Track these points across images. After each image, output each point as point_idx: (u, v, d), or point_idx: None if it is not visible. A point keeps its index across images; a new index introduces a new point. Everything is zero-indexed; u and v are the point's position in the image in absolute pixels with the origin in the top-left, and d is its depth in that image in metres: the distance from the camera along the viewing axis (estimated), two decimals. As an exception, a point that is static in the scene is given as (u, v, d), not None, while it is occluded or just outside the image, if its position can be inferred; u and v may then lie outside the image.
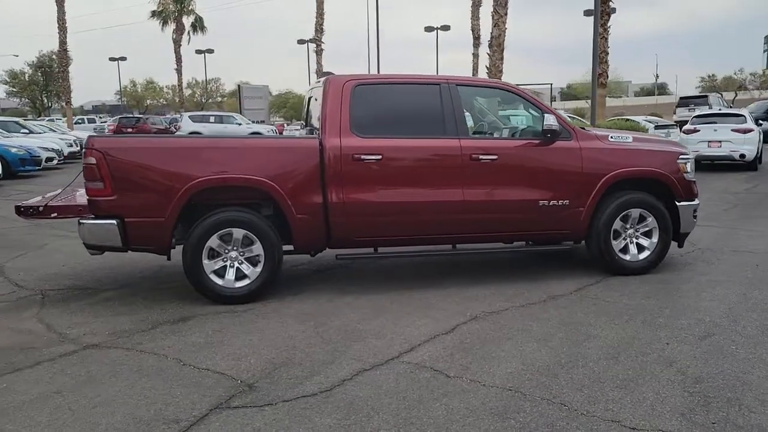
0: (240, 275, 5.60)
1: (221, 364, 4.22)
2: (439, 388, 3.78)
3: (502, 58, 15.78)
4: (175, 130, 34.89)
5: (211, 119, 35.80)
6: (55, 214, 5.50)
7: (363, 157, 5.66)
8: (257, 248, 5.57)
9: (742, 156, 16.39)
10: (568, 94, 78.27)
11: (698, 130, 17.20)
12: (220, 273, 5.57)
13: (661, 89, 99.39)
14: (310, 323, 5.04)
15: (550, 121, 5.87)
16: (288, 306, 5.51)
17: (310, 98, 6.72)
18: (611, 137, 6.40)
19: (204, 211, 5.53)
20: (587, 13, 42.35)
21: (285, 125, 49.52)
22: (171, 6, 48.97)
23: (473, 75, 33.64)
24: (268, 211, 5.75)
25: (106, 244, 5.47)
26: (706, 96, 35.59)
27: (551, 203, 6.04)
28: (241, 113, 39.93)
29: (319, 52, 35.30)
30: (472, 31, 33.29)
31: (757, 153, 16.98)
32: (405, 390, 3.76)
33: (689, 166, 6.47)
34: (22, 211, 5.45)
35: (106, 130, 37.56)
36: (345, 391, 3.77)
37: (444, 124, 5.90)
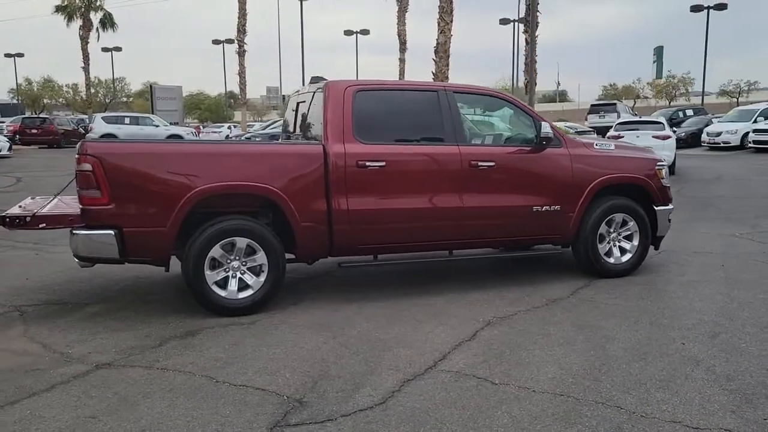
0: (242, 286, 5.42)
1: (257, 379, 4.06)
2: (492, 396, 3.79)
3: (448, 64, 16.05)
4: (84, 132, 33.19)
5: (126, 120, 34.35)
6: (44, 225, 5.12)
7: (367, 163, 5.61)
8: (260, 257, 5.40)
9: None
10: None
11: (622, 137, 18.06)
12: (222, 284, 5.37)
13: (562, 96, 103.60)
14: (327, 334, 4.93)
15: (546, 129, 6.02)
16: (294, 316, 5.37)
17: (298, 103, 6.58)
18: (596, 145, 6.63)
19: (201, 220, 5.31)
20: (503, 21, 43.87)
21: (201, 127, 48.25)
22: (77, 1, 46.60)
23: (400, 79, 34.00)
24: (267, 219, 5.60)
25: (101, 256, 5.15)
26: (615, 103, 37.47)
27: (544, 209, 6.20)
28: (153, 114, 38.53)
29: (241, 53, 34.61)
30: (399, 36, 33.60)
31: (674, 159, 18.03)
32: (459, 399, 3.75)
33: (665, 173, 6.81)
34: (7, 222, 5.03)
35: (5, 131, 35.25)
36: (400, 402, 3.71)
37: (443, 131, 5.94)
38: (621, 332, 4.90)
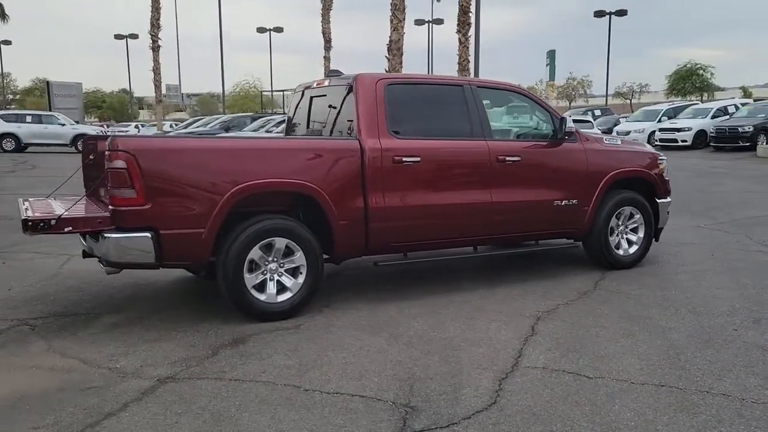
0: (279, 288, 5.14)
1: (346, 385, 3.84)
2: (597, 390, 3.75)
3: (401, 62, 15.98)
4: None
5: (28, 119, 32.00)
6: (70, 228, 4.63)
7: (404, 159, 5.46)
8: (299, 258, 5.14)
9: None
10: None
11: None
12: (259, 287, 5.07)
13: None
14: (383, 335, 4.75)
15: (570, 123, 6.08)
16: (337, 319, 5.14)
17: (312, 98, 6.32)
18: (606, 139, 6.78)
19: (235, 221, 4.99)
20: (418, 22, 44.42)
21: (106, 126, 45.92)
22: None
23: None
24: (297, 218, 5.34)
25: (134, 262, 4.73)
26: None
27: (564, 203, 6.26)
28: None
29: (155, 49, 33.13)
30: (323, 34, 33.21)
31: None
32: (568, 395, 3.69)
33: (665, 166, 7.05)
34: (30, 226, 4.51)
35: None
36: (512, 402, 3.61)
37: (471, 125, 5.87)
38: (670, 321, 5.00)
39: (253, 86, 59.05)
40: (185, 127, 28.07)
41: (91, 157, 5.93)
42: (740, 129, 25.63)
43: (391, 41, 14.45)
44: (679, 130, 28.02)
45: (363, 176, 5.32)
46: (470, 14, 19.94)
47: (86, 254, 5.50)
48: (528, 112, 6.50)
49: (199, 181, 4.78)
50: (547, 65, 76.35)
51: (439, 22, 42.14)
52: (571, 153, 6.31)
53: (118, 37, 52.54)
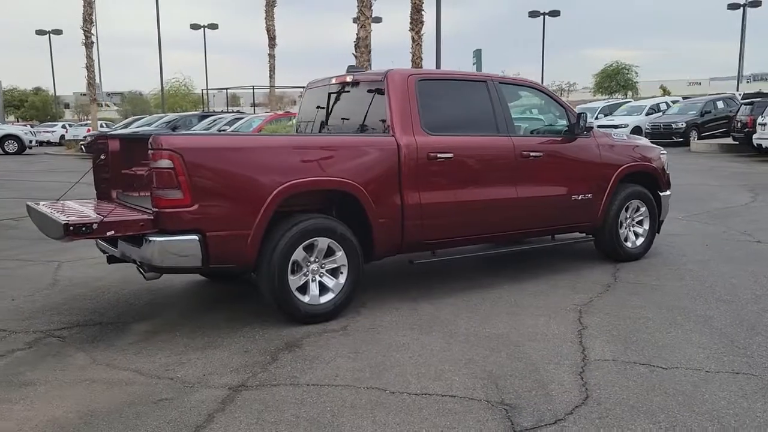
0: (321, 289, 5.00)
1: (431, 386, 3.76)
2: (679, 380, 3.78)
3: (369, 59, 15.81)
4: None
5: (-51, 119, 30.30)
6: (113, 232, 4.34)
7: (439, 155, 5.41)
8: (341, 258, 5.01)
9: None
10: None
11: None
12: (302, 289, 4.92)
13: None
14: (436, 334, 4.69)
15: (588, 119, 6.17)
16: (380, 319, 5.03)
17: (330, 94, 6.17)
18: (614, 134, 6.92)
19: (276, 221, 4.82)
20: (356, 20, 44.25)
21: (29, 126, 43.70)
22: None
23: (271, 75, 33.05)
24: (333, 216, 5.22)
25: (180, 266, 4.50)
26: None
27: (581, 197, 6.35)
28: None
29: (89, 45, 31.72)
30: (268, 31, 32.59)
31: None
32: (653, 387, 3.70)
33: (666, 160, 7.26)
34: (71, 230, 4.19)
35: None
36: (605, 396, 3.59)
37: (496, 121, 5.87)
38: (706, 310, 5.13)
39: (183, 84, 57.57)
40: (125, 127, 27.03)
41: (102, 157, 5.62)
42: (674, 125, 26.86)
43: (358, 38, 14.31)
44: (616, 126, 29.00)
45: (399, 173, 5.24)
46: (423, 12, 20.02)
47: (113, 259, 5.20)
48: (545, 107, 6.56)
49: (245, 180, 4.59)
50: (473, 64, 78.13)
51: (378, 20, 42.14)
52: (586, 148, 6.41)
53: (39, 32, 50.11)
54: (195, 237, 4.40)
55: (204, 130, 21.36)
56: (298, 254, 4.81)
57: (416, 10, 20.06)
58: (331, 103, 6.14)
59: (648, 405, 3.49)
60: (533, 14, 43.76)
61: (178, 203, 4.36)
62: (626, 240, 6.86)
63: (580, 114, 6.27)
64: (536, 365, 4.06)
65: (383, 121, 5.40)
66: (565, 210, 6.30)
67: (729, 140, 23.23)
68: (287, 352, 4.35)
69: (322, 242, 4.91)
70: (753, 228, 8.63)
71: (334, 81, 6.10)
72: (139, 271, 4.65)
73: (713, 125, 27.15)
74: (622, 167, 6.63)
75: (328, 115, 6.19)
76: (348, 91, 5.94)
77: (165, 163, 4.31)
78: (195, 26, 45.82)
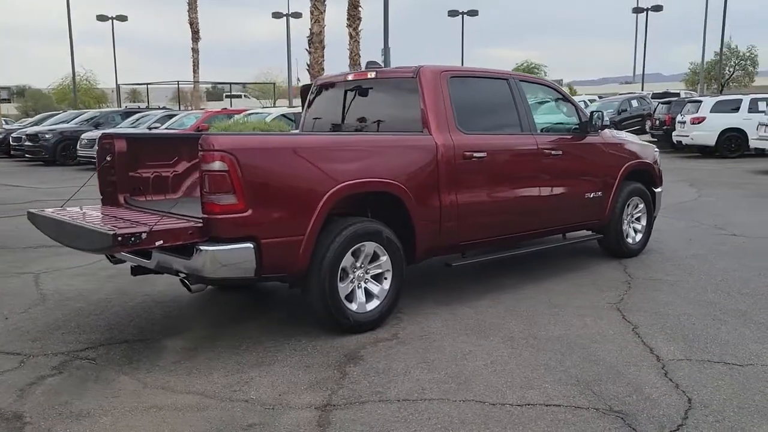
0: (366, 296, 4.77)
1: (530, 396, 3.60)
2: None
3: (323, 55, 15.36)
4: None
5: None
6: (161, 242, 3.93)
7: (474, 155, 5.28)
8: (385, 263, 4.79)
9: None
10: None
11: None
12: (349, 297, 4.66)
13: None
14: (493, 338, 4.54)
15: (607, 118, 6.21)
16: (425, 324, 4.84)
17: (347, 91, 5.89)
18: (614, 133, 7.01)
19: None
20: (276, 15, 43.43)
21: None
22: None
23: (195, 71, 31.73)
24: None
25: (233, 276, 4.14)
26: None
27: (592, 195, 6.39)
28: None
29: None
30: (191, 24, 31.24)
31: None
32: (745, 385, 3.70)
33: (659, 157, 7.43)
34: (120, 241, 3.75)
35: None
36: (708, 398, 3.55)
37: (519, 119, 5.81)
38: (736, 304, 5.23)
39: (84, 79, 54.60)
40: (35, 124, 25.28)
41: (107, 158, 5.13)
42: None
43: (312, 34, 13.86)
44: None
45: (437, 173, 5.07)
46: (360, 8, 19.81)
47: (139, 271, 4.76)
48: (557, 105, 6.54)
49: (299, 182, 4.29)
50: (381, 62, 78.97)
51: (298, 15, 41.51)
52: (597, 146, 6.46)
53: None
54: (250, 245, 4.06)
55: (130, 128, 20.28)
56: (347, 260, 4.55)
57: (353, 6, 19.81)
58: (349, 100, 5.87)
59: (754, 405, 3.49)
60: (452, 13, 44.36)
61: (233, 209, 4.01)
62: (627, 236, 6.97)
63: (593, 112, 6.30)
64: (616, 368, 4.00)
65: (415, 119, 5.20)
66: (580, 207, 6.32)
67: (647, 137, 24.41)
68: (353, 365, 4.09)
69: (369, 247, 4.67)
70: (722, 222, 9.00)
71: (351, 77, 5.84)
72: (183, 283, 4.25)
73: (629, 123, 28.42)
74: (626, 165, 6.73)
75: (344, 113, 5.92)
76: (370, 89, 5.69)
77: (218, 165, 3.95)
78: (102, 18, 43.54)
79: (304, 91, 6.99)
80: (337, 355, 4.25)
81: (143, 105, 41.66)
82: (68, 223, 4.25)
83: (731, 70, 48.72)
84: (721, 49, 41.05)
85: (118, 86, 40.77)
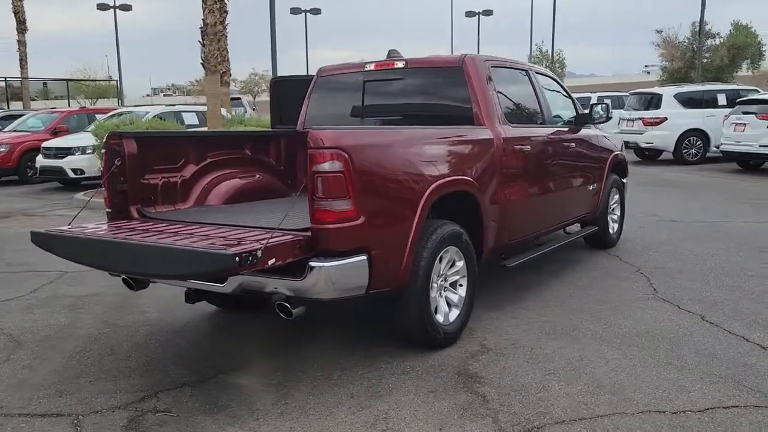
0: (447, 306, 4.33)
1: (692, 399, 3.40)
2: None
3: (225, 47, 13.95)
4: None
5: None
6: (273, 261, 3.21)
7: (522, 148, 5.01)
8: (462, 269, 4.37)
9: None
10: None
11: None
12: (436, 308, 4.19)
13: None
14: (584, 340, 4.31)
15: (607, 108, 6.21)
16: (503, 332, 4.49)
17: (365, 82, 5.34)
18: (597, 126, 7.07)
19: None
20: (101, 7, 39.90)
21: None
22: None
23: (22, 65, 28.04)
24: None
25: (346, 296, 3.52)
26: (240, 98, 37.93)
27: (591, 187, 6.40)
28: None
29: None
30: (16, 13, 27.53)
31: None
32: None
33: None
34: (238, 262, 2.99)
35: None
36: None
37: (542, 111, 5.65)
38: (756, 286, 5.45)
39: None
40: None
41: (117, 162, 4.22)
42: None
43: (206, 25, 12.62)
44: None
45: (497, 168, 4.75)
46: (225, 2, 18.71)
47: (196, 296, 3.95)
48: (560, 98, 6.43)
49: (402, 183, 3.77)
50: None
51: (127, 8, 38.54)
52: (594, 138, 6.49)
53: None
54: (363, 257, 3.49)
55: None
56: (435, 268, 4.09)
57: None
58: (370, 91, 5.33)
59: None
60: (294, 11, 43.49)
61: (346, 216, 3.41)
62: (608, 227, 7.09)
63: (593, 105, 6.30)
64: (735, 360, 3.93)
65: (461, 112, 4.82)
66: (584, 200, 6.30)
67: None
68: (479, 385, 3.65)
69: (451, 252, 4.24)
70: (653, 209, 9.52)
71: (372, 67, 5.31)
72: (280, 308, 3.53)
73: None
74: (611, 156, 6.83)
75: (363, 105, 5.37)
76: (398, 79, 5.19)
77: (333, 165, 3.34)
78: None
79: (275, 84, 6.35)
80: (447, 376, 3.79)
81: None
82: (143, 245, 3.37)
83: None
84: (531, 51, 45.05)
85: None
